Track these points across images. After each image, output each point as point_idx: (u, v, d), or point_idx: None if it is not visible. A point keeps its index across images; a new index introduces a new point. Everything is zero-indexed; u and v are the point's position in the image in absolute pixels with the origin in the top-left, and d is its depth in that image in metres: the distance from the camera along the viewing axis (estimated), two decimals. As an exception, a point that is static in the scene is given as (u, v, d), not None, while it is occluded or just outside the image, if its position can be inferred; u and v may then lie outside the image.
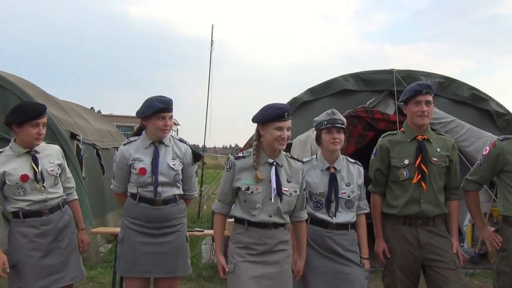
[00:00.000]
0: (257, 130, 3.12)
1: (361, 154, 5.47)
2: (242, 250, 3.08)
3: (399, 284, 3.49)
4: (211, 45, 11.26)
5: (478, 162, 3.59)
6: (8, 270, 3.28)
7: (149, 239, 3.48)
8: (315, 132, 6.53)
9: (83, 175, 7.26)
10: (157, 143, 3.55)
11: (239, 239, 3.11)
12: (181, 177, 3.59)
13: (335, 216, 3.34)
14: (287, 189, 3.10)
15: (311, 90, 7.37)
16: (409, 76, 7.32)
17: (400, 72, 7.32)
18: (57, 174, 3.58)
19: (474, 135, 7.02)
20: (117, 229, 5.54)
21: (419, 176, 3.43)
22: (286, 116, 3.03)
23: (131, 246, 3.49)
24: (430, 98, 3.46)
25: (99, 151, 8.69)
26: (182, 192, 3.62)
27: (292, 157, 3.26)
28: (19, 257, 3.36)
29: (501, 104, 7.48)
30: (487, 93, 7.51)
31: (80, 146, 7.32)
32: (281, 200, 3.07)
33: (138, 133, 3.66)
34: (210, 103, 11.40)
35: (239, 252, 3.08)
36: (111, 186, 3.74)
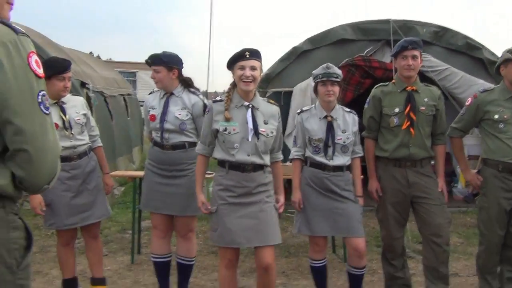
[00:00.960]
0: (232, 76, 3.33)
1: (359, 101, 5.84)
2: (223, 192, 3.29)
3: (390, 219, 3.93)
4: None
5: (462, 112, 4.00)
6: (44, 209, 3.73)
7: (161, 180, 3.89)
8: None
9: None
10: (169, 94, 3.93)
11: (220, 181, 3.31)
12: (187, 126, 3.88)
13: (332, 159, 3.74)
14: (263, 130, 3.27)
15: (310, 40, 7.63)
16: (405, 25, 7.57)
17: (396, 21, 7.52)
18: (83, 123, 3.92)
19: (467, 83, 7.32)
20: (131, 173, 6.01)
21: (408, 123, 3.82)
22: (247, 56, 3.16)
23: (148, 184, 3.96)
24: (416, 53, 3.80)
25: (106, 98, 9.03)
26: (195, 140, 3.86)
27: (269, 102, 3.46)
28: (53, 197, 3.73)
29: (493, 52, 7.76)
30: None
31: (90, 95, 7.65)
32: (258, 139, 3.25)
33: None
34: (212, 47, 11.48)
35: (221, 195, 3.29)
36: (144, 132, 4.20)
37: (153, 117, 3.90)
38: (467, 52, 7.72)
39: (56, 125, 3.73)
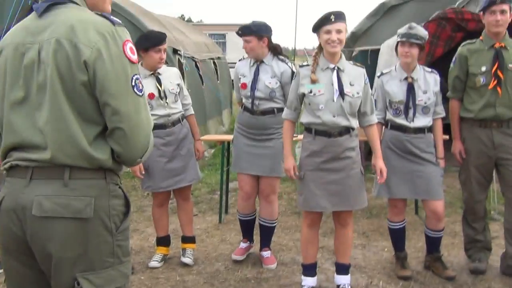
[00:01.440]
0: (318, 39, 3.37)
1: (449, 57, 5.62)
2: (310, 157, 3.35)
3: (474, 181, 3.85)
4: None
5: None
6: (143, 172, 4.01)
7: (251, 142, 4.09)
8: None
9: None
10: (260, 62, 4.06)
11: (307, 146, 3.38)
12: (276, 93, 4.03)
13: (413, 121, 3.69)
14: (349, 91, 3.28)
15: (399, -6, 7.37)
16: (503, -27, 7.07)
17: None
18: (176, 92, 4.11)
19: None
20: (220, 136, 6.24)
21: (495, 82, 3.67)
22: (332, 19, 3.17)
23: (237, 146, 4.18)
24: (505, 7, 3.60)
25: (197, 63, 9.32)
26: (283, 106, 3.95)
27: (355, 64, 3.46)
28: (149, 162, 3.97)
29: None
30: None
31: (182, 61, 7.95)
32: (343, 99, 3.27)
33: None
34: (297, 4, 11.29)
35: (308, 161, 3.37)
36: (234, 96, 4.38)
37: (244, 85, 4.08)
38: None
39: (152, 94, 3.98)
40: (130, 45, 1.69)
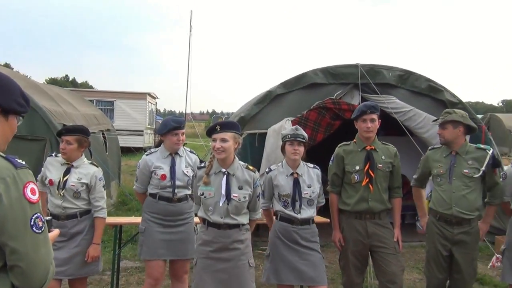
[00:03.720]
0: None
1: (330, 141, 6.21)
2: (202, 246, 3.65)
3: (351, 266, 4.31)
4: (190, 30, 11.67)
5: (419, 165, 4.47)
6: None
7: (166, 229, 4.31)
8: (288, 122, 7.25)
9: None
10: (174, 154, 4.38)
11: (201, 236, 3.69)
12: (191, 180, 4.35)
13: (300, 212, 4.07)
14: (236, 195, 3.59)
15: (284, 84, 8.02)
16: (372, 69, 8.05)
17: (364, 66, 8.00)
18: (77, 190, 4.14)
19: (430, 123, 7.76)
20: (115, 219, 6.24)
21: (367, 180, 4.22)
22: (217, 129, 3.57)
23: (152, 235, 4.30)
24: (374, 116, 4.22)
25: (87, 137, 9.26)
26: (191, 192, 4.37)
27: (247, 167, 3.74)
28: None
29: (454, 94, 8.27)
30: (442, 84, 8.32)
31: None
32: (228, 203, 3.58)
33: (158, 145, 4.52)
34: (189, 74, 11.63)
35: (200, 249, 3.66)
36: (134, 187, 4.56)
37: (164, 176, 4.32)
38: (430, 94, 8.21)
39: (51, 181, 4.09)
40: (31, 186, 1.79)
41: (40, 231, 1.79)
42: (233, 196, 3.60)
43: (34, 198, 1.79)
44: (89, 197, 4.21)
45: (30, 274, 1.75)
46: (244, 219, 3.69)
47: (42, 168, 4.31)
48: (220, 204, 3.58)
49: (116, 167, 11.63)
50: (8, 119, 1.91)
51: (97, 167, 4.37)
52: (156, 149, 4.48)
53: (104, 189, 4.28)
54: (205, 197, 3.61)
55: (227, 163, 3.65)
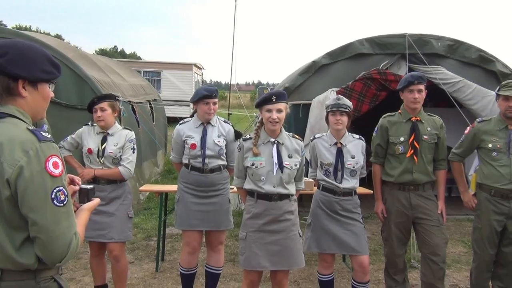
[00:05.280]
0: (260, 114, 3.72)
1: (375, 112, 6.14)
2: (252, 219, 3.63)
3: (394, 237, 4.29)
4: (236, 0, 11.58)
5: (461, 139, 4.35)
6: None
7: (199, 200, 4.34)
8: (332, 92, 7.20)
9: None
10: (206, 123, 4.37)
11: (250, 209, 3.66)
12: (225, 151, 4.38)
13: (341, 182, 4.08)
14: (288, 163, 3.60)
15: (329, 54, 7.93)
16: (420, 39, 7.83)
17: (412, 36, 7.80)
18: (115, 156, 4.27)
19: (480, 94, 7.54)
20: (158, 187, 6.41)
21: (412, 151, 4.16)
22: (273, 100, 3.50)
23: (185, 205, 4.36)
24: (421, 87, 4.13)
25: (134, 106, 9.48)
26: (226, 163, 4.42)
27: (293, 136, 3.75)
28: None
29: (506, 65, 7.98)
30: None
31: (120, 107, 8.07)
32: (282, 172, 3.59)
33: (192, 115, 4.50)
34: (234, 45, 11.48)
35: (250, 223, 3.64)
36: (170, 157, 4.62)
37: (194, 146, 4.31)
38: (480, 64, 7.95)
39: (90, 150, 4.22)
40: (54, 159, 1.81)
41: (62, 204, 1.82)
42: (285, 164, 3.60)
43: (57, 171, 1.81)
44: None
45: (50, 246, 1.79)
46: (293, 189, 3.70)
47: (75, 134, 4.42)
48: (274, 173, 3.56)
49: (162, 137, 11.86)
50: (38, 88, 1.94)
51: (131, 130, 4.44)
52: (190, 118, 4.49)
53: (133, 152, 4.33)
54: (256, 167, 3.58)
55: (276, 133, 3.64)
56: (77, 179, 2.12)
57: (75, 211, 2.05)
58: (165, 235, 6.03)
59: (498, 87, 4.24)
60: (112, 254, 4.28)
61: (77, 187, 2.10)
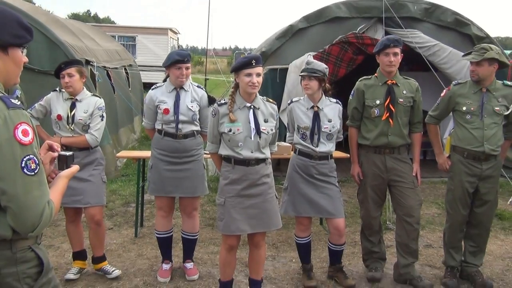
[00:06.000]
0: (235, 79, 3.60)
1: (352, 76, 6.16)
2: (230, 185, 3.60)
3: (370, 200, 4.36)
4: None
5: (437, 102, 4.40)
6: None
7: (172, 167, 4.30)
8: (309, 56, 7.20)
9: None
10: (179, 88, 4.30)
11: (227, 175, 3.62)
12: (198, 116, 4.33)
13: (318, 146, 4.11)
14: (264, 128, 3.57)
15: (306, 18, 7.89)
16: (397, 3, 7.83)
17: (389, -1, 7.79)
18: (85, 123, 4.22)
19: (454, 58, 7.62)
20: (135, 153, 6.38)
21: (388, 114, 4.20)
22: (253, 64, 3.42)
23: (158, 172, 4.33)
24: (397, 50, 4.14)
25: (109, 72, 9.33)
26: (200, 129, 4.38)
27: (267, 100, 3.71)
28: None
29: (481, 28, 8.04)
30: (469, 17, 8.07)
31: (95, 72, 7.96)
32: (259, 137, 3.56)
33: (165, 80, 4.41)
34: (210, 9, 11.24)
35: (228, 188, 3.61)
36: (143, 123, 4.55)
37: (167, 111, 4.23)
38: (456, 28, 8.02)
39: (60, 116, 4.17)
40: (23, 127, 1.75)
41: (33, 173, 1.77)
42: (262, 129, 3.58)
43: (26, 139, 1.76)
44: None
45: (21, 216, 1.76)
46: (268, 153, 3.70)
47: (43, 101, 4.32)
48: (252, 138, 3.54)
49: (139, 103, 11.76)
50: (8, 53, 1.87)
51: (100, 98, 4.37)
52: (162, 83, 4.40)
53: (102, 120, 4.28)
54: (233, 133, 3.54)
55: (251, 97, 3.61)
56: (56, 145, 2.07)
57: (53, 178, 2.02)
58: (144, 201, 6.03)
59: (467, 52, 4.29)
60: (94, 219, 4.28)
61: (55, 154, 2.05)
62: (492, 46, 4.19)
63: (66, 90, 4.21)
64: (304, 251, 4.37)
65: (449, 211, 4.37)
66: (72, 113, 4.19)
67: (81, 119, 4.19)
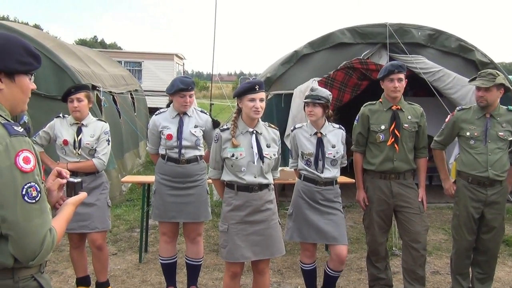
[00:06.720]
0: (237, 104, 3.60)
1: (357, 102, 6.16)
2: (233, 212, 3.58)
3: (376, 226, 4.33)
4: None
5: (442, 127, 4.41)
6: None
7: (176, 192, 4.31)
8: (314, 82, 7.23)
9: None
10: (182, 114, 4.33)
11: (230, 202, 3.61)
12: (201, 141, 4.35)
13: (323, 172, 4.10)
14: (267, 153, 3.58)
15: (311, 44, 7.94)
16: (401, 29, 7.88)
17: (392, 25, 7.84)
18: (92, 147, 4.25)
19: (459, 83, 7.63)
20: (140, 178, 6.38)
21: (393, 139, 4.20)
22: (257, 89, 3.44)
23: (162, 197, 4.33)
24: (401, 76, 4.16)
25: (115, 97, 9.40)
26: (203, 154, 4.40)
27: (270, 126, 3.73)
28: None
29: (485, 54, 8.07)
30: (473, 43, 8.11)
31: (101, 97, 8.02)
32: (262, 162, 3.57)
33: (168, 105, 4.44)
34: (216, 35, 11.40)
35: (231, 215, 3.59)
36: (147, 148, 4.58)
37: (170, 136, 4.26)
38: (460, 54, 8.04)
39: (66, 141, 4.19)
40: (24, 154, 1.74)
41: (34, 201, 1.75)
42: (265, 154, 3.58)
43: (28, 167, 1.74)
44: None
45: (21, 244, 1.74)
46: (271, 179, 3.69)
47: (46, 127, 4.34)
48: (255, 163, 3.54)
49: (144, 127, 11.78)
50: (15, 80, 1.86)
51: (105, 122, 4.41)
52: (166, 109, 4.43)
53: (108, 144, 4.31)
54: (236, 158, 3.53)
55: (254, 122, 3.62)
56: (65, 172, 2.06)
57: (60, 205, 2.01)
58: (148, 226, 6.01)
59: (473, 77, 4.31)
60: (95, 244, 4.26)
61: (64, 180, 2.05)
62: (498, 72, 4.23)
63: (73, 115, 4.24)
64: (310, 277, 4.32)
65: (455, 237, 4.35)
66: (79, 138, 4.22)
67: (88, 144, 4.21)
